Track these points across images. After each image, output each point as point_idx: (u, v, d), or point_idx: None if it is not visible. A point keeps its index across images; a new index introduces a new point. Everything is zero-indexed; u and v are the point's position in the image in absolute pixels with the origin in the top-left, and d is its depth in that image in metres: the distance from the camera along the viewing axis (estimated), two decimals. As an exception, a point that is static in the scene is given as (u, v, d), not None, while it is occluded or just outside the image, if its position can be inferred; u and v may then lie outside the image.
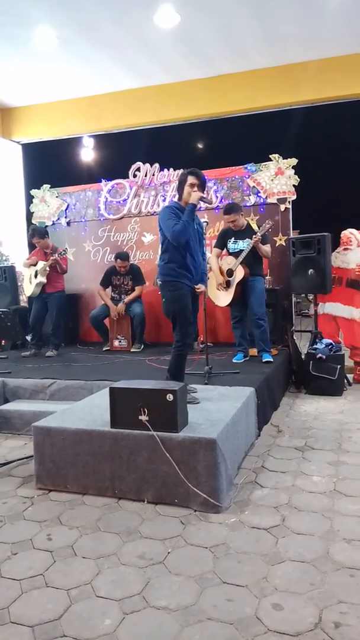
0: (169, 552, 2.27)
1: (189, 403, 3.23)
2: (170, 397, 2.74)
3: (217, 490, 2.62)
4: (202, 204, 3.96)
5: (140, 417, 2.78)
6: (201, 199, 3.61)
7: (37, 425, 3.07)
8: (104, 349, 6.04)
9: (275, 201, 5.99)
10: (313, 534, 2.37)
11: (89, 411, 3.29)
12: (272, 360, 4.74)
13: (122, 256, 6.05)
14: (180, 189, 3.63)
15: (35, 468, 3.05)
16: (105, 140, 8.81)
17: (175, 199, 3.78)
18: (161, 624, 1.82)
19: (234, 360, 4.91)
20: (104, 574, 2.14)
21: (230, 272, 4.82)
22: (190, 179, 3.55)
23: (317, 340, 5.16)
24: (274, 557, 2.20)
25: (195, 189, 3.55)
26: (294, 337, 5.56)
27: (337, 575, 2.05)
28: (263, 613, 1.85)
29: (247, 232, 4.77)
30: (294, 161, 5.90)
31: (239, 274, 4.73)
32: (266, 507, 2.66)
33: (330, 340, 5.09)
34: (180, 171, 3.77)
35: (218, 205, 6.18)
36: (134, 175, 6.61)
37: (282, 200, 5.96)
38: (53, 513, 2.70)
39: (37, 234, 5.72)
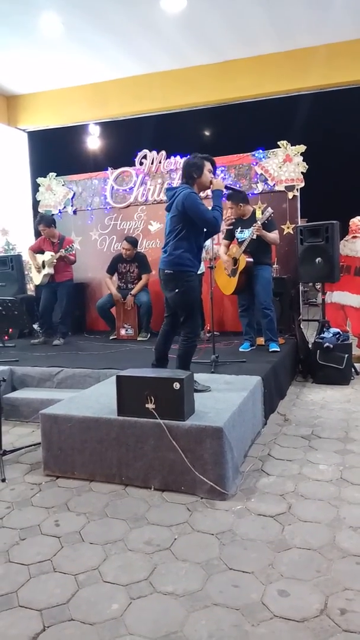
0: (175, 539, 2.29)
1: (200, 391, 3.24)
2: (176, 385, 2.74)
3: (224, 477, 2.63)
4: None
5: (147, 405, 2.79)
6: (228, 187, 3.48)
7: (44, 413, 3.09)
8: (110, 337, 6.05)
9: (283, 189, 5.93)
10: (319, 522, 2.38)
11: (96, 399, 3.30)
12: (279, 349, 4.72)
13: (130, 239, 6.03)
14: (196, 172, 3.37)
15: (43, 455, 3.08)
16: (111, 128, 8.73)
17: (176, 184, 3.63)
18: (167, 609, 1.83)
19: (240, 349, 4.90)
20: (111, 559, 2.16)
21: (235, 261, 4.80)
22: (208, 165, 3.42)
23: (324, 329, 5.13)
24: (280, 544, 2.21)
25: (212, 175, 3.44)
26: (301, 326, 5.54)
27: (343, 563, 2.06)
28: (269, 599, 1.86)
29: (251, 220, 4.73)
30: (302, 148, 5.83)
31: (242, 262, 4.71)
32: (272, 494, 2.67)
33: (337, 329, 5.07)
34: (189, 156, 3.50)
35: (225, 193, 6.11)
36: (141, 163, 6.56)
37: (290, 188, 5.90)
38: (61, 499, 2.73)
39: (43, 222, 5.72)
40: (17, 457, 3.33)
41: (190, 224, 3.33)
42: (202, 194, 3.52)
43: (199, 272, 5.57)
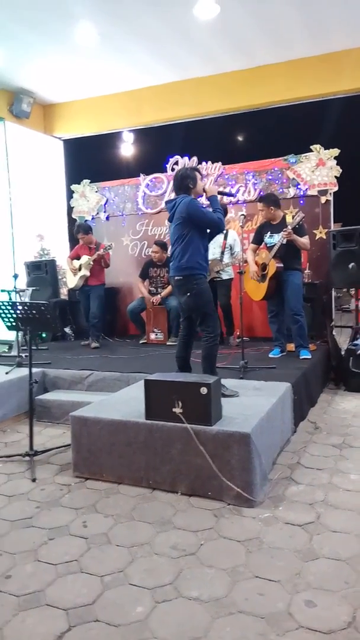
0: (201, 544, 2.28)
1: (228, 396, 3.23)
2: (204, 390, 2.74)
3: (251, 484, 2.61)
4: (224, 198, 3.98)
5: (174, 410, 2.79)
6: (221, 192, 3.84)
7: (74, 415, 3.14)
8: (140, 341, 6.10)
9: (315, 193, 5.87)
10: (349, 532, 2.33)
11: (125, 402, 3.33)
12: (309, 356, 4.65)
13: (159, 242, 6.11)
14: (191, 182, 3.59)
15: (73, 456, 3.13)
16: (144, 134, 8.82)
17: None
18: (192, 614, 1.83)
19: (270, 355, 4.85)
20: (137, 562, 2.17)
21: (264, 266, 4.76)
22: (198, 175, 3.68)
23: (357, 335, 5.03)
24: (308, 554, 2.17)
25: (203, 183, 3.73)
26: (334, 333, 5.44)
27: (373, 575, 2.01)
28: (295, 609, 1.83)
29: (282, 225, 4.68)
30: (336, 152, 5.75)
31: (272, 268, 4.66)
32: (301, 503, 2.63)
33: (371, 336, 4.95)
34: (179, 170, 3.75)
35: (257, 198, 6.09)
36: (172, 169, 6.61)
37: (323, 192, 5.83)
38: (89, 501, 2.76)
39: (81, 230, 5.96)
40: (47, 458, 3.39)
41: (194, 229, 3.52)
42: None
43: (226, 278, 5.65)
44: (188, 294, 3.54)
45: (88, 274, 5.79)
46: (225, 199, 6.25)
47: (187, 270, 3.53)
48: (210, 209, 3.64)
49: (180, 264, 3.55)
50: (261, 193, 6.05)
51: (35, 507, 2.72)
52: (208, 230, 3.66)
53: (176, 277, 3.61)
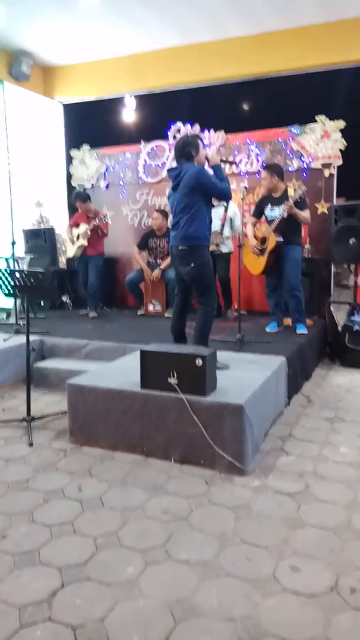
0: (192, 510, 2.35)
1: (219, 369, 3.26)
2: (199, 361, 2.77)
3: (243, 454, 2.66)
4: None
5: (169, 380, 2.83)
6: (223, 160, 3.80)
7: (71, 383, 3.18)
8: (138, 313, 6.11)
9: (319, 166, 5.78)
10: (336, 503, 2.39)
11: (121, 372, 3.37)
12: (306, 331, 4.67)
13: (161, 210, 6.04)
14: (193, 150, 3.54)
15: (69, 423, 3.18)
16: (146, 100, 8.61)
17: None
18: (181, 575, 1.90)
19: (267, 329, 4.87)
20: (129, 525, 2.23)
21: (264, 240, 4.72)
22: (201, 143, 3.62)
23: (355, 312, 5.04)
24: (295, 522, 2.24)
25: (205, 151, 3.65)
26: (331, 308, 5.45)
27: (357, 544, 2.07)
28: (280, 573, 1.90)
29: (283, 198, 4.62)
30: (341, 124, 5.63)
31: (271, 242, 4.63)
32: (291, 473, 2.69)
33: (368, 313, 4.96)
34: (182, 137, 3.68)
35: (259, 170, 6.00)
36: (174, 137, 6.48)
37: (327, 166, 5.74)
38: (84, 466, 2.82)
39: (79, 198, 5.89)
40: (44, 424, 3.45)
41: (202, 199, 3.48)
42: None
43: (226, 251, 5.62)
44: (192, 264, 3.50)
45: (86, 243, 5.74)
46: (227, 170, 6.16)
47: (194, 241, 3.49)
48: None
49: (187, 234, 3.49)
50: (263, 164, 5.96)
51: (31, 470, 2.78)
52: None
53: (180, 247, 3.54)
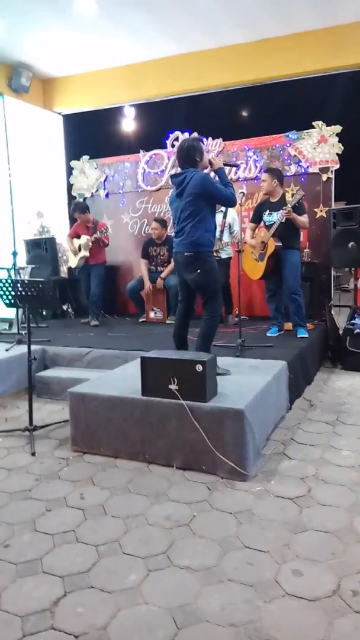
0: (194, 516, 2.35)
1: (220, 374, 3.27)
2: (199, 367, 2.78)
3: (244, 459, 2.67)
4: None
5: (170, 386, 2.84)
6: (226, 163, 3.74)
7: (72, 391, 3.19)
8: (140, 320, 6.13)
9: (317, 171, 5.81)
10: (338, 506, 2.39)
11: (122, 379, 3.38)
12: (307, 335, 4.68)
13: (159, 219, 6.08)
14: (197, 155, 3.49)
15: (71, 431, 3.19)
16: (145, 110, 8.71)
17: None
18: (183, 581, 1.90)
19: (268, 334, 4.88)
20: (132, 532, 2.24)
21: (263, 245, 4.75)
22: (203, 147, 3.61)
23: (355, 315, 5.04)
24: (297, 526, 2.24)
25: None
26: (332, 312, 5.46)
27: (359, 547, 2.07)
28: (282, 578, 1.90)
29: (281, 203, 4.65)
30: (337, 128, 5.67)
31: (270, 246, 4.65)
32: (293, 477, 2.69)
33: (369, 316, 4.97)
34: (185, 141, 3.60)
35: (257, 176, 6.04)
36: (173, 145, 6.53)
37: (325, 170, 5.77)
38: (86, 474, 2.83)
39: (78, 209, 5.90)
40: (47, 433, 3.46)
41: (207, 206, 3.46)
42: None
43: (225, 257, 5.64)
44: (198, 270, 3.45)
45: (88, 254, 5.78)
46: (232, 175, 6.18)
47: (199, 247, 3.45)
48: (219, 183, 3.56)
49: (192, 240, 3.45)
50: (262, 170, 5.99)
51: (34, 479, 2.79)
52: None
53: (186, 254, 3.49)
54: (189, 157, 3.50)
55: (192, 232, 3.44)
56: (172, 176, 3.70)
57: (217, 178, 3.63)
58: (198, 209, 3.42)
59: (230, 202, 3.61)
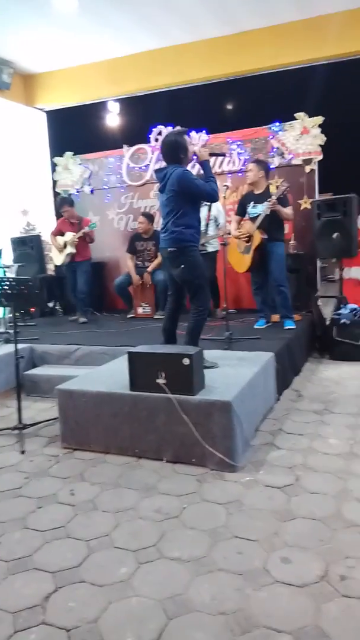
0: (184, 508, 2.37)
1: (207, 368, 3.28)
2: (186, 361, 2.79)
3: (233, 450, 2.69)
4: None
5: (157, 381, 2.85)
6: (212, 153, 3.68)
7: (60, 388, 3.19)
8: (128, 316, 6.13)
9: (300, 162, 5.82)
10: (326, 493, 2.42)
11: (110, 375, 3.38)
12: (294, 327, 4.71)
13: (146, 213, 6.09)
14: (182, 152, 3.44)
15: (60, 428, 3.19)
16: (127, 104, 8.67)
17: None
18: (173, 573, 1.92)
19: (255, 327, 4.90)
20: (122, 526, 2.25)
21: (248, 238, 4.75)
22: (187, 139, 3.53)
23: (341, 305, 5.09)
24: (285, 514, 2.26)
25: (193, 146, 3.58)
26: (319, 303, 5.50)
27: (346, 533, 2.10)
28: (271, 565, 1.92)
29: (265, 195, 4.66)
30: (320, 119, 5.69)
31: (256, 239, 4.66)
32: (281, 467, 2.72)
33: (355, 306, 5.02)
34: (168, 136, 3.57)
35: (241, 168, 6.05)
36: (156, 140, 6.51)
37: (308, 161, 5.79)
38: (76, 470, 2.84)
39: (66, 203, 5.90)
40: (36, 431, 3.46)
41: (187, 201, 3.43)
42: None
43: (211, 250, 5.65)
44: (182, 266, 3.45)
45: (74, 251, 5.75)
46: (217, 167, 6.18)
47: (181, 243, 3.44)
48: (203, 176, 3.53)
49: (173, 236, 3.45)
50: (245, 163, 6.00)
51: (24, 477, 2.79)
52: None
53: (169, 249, 3.50)
54: (171, 154, 3.47)
55: (174, 229, 3.45)
56: (155, 171, 3.71)
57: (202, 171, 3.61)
58: (178, 206, 3.42)
59: (210, 197, 3.57)
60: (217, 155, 4.83)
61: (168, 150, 3.49)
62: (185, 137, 3.52)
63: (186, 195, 3.40)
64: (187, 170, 3.48)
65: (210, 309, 5.74)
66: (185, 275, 3.50)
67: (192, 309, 3.57)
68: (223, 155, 5.73)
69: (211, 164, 5.98)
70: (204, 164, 3.55)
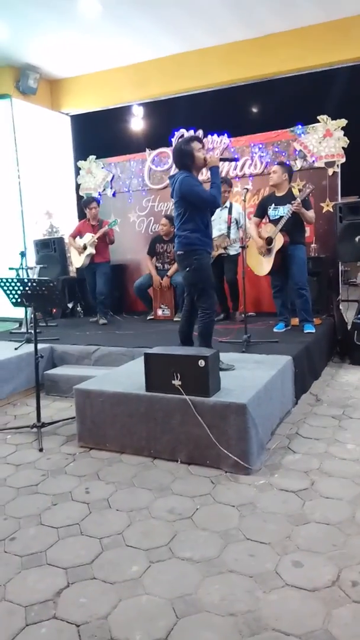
0: (197, 509, 2.37)
1: (224, 370, 3.28)
2: (202, 362, 2.80)
3: (248, 453, 2.68)
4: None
5: (173, 382, 2.86)
6: (222, 159, 3.75)
7: (78, 388, 3.23)
8: (148, 318, 6.17)
9: (323, 165, 5.77)
10: (341, 499, 2.39)
11: (128, 376, 3.41)
12: (313, 330, 4.66)
13: (168, 216, 6.13)
14: (188, 159, 3.53)
15: (78, 427, 3.24)
16: (151, 108, 8.75)
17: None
18: (184, 573, 1.92)
19: (275, 330, 4.87)
20: (135, 525, 2.27)
21: (270, 240, 4.73)
22: (195, 145, 3.55)
23: (363, 309, 5.01)
24: (299, 518, 2.25)
25: (204, 152, 3.62)
26: (340, 307, 5.43)
27: (360, 538, 2.07)
28: (283, 569, 1.91)
29: (288, 197, 4.64)
30: (343, 122, 5.62)
31: (278, 241, 4.63)
32: (296, 471, 2.70)
33: (377, 310, 4.94)
34: (177, 144, 3.66)
35: (263, 171, 6.03)
36: (178, 143, 6.54)
37: (331, 164, 5.73)
38: (92, 469, 2.87)
39: (95, 201, 6.05)
40: (54, 430, 3.51)
41: (192, 206, 3.52)
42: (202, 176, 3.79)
43: (233, 253, 5.64)
44: (187, 268, 3.58)
45: (94, 251, 5.83)
46: (232, 172, 6.19)
47: (188, 246, 3.55)
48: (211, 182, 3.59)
49: (180, 240, 3.60)
50: (267, 166, 5.98)
51: (41, 475, 2.84)
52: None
53: (178, 252, 3.66)
54: (179, 161, 3.62)
55: (180, 233, 3.59)
56: (169, 178, 3.85)
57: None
58: (184, 210, 3.54)
59: (209, 204, 3.55)
60: (228, 160, 4.84)
61: (176, 157, 3.66)
62: (194, 144, 3.57)
63: (188, 200, 3.51)
64: (190, 175, 3.54)
65: (229, 312, 5.78)
66: (190, 277, 3.62)
67: (199, 312, 3.64)
68: (234, 160, 5.75)
69: (233, 166, 6.12)
70: (212, 170, 3.61)
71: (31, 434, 3.41)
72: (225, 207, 5.60)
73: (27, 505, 2.50)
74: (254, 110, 11.62)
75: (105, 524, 2.30)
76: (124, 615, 1.72)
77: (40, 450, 3.16)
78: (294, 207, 4.51)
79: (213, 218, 5.53)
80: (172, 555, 2.04)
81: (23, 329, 5.36)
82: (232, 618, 1.67)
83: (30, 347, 4.51)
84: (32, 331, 4.83)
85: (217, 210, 5.52)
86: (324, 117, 5.71)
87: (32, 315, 3.63)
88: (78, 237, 5.97)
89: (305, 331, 4.66)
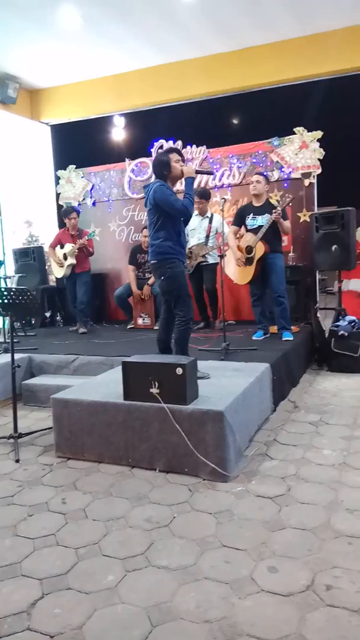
0: (174, 517, 2.37)
1: (199, 378, 3.30)
2: (179, 370, 2.81)
3: (225, 460, 2.69)
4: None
5: (151, 390, 2.87)
6: (199, 171, 3.77)
7: (55, 397, 3.21)
8: (128, 326, 6.16)
9: (299, 176, 5.89)
10: (316, 504, 2.41)
11: (106, 385, 3.40)
12: (292, 338, 4.72)
13: None
14: (165, 169, 3.56)
15: (55, 437, 3.21)
16: (131, 119, 8.80)
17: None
18: (160, 581, 1.92)
19: (253, 338, 4.92)
20: (112, 535, 2.26)
21: (249, 249, 4.79)
22: (173, 157, 3.60)
23: (340, 317, 5.10)
24: (275, 524, 2.26)
25: (182, 163, 3.65)
26: (318, 315, 5.51)
27: (335, 543, 2.10)
28: (258, 575, 1.92)
29: (266, 207, 4.72)
30: (318, 134, 5.76)
31: (259, 250, 4.70)
32: (273, 477, 2.72)
33: (354, 317, 5.03)
34: (156, 155, 3.74)
35: (241, 182, 6.12)
36: (158, 154, 6.60)
37: (307, 175, 5.85)
38: (69, 479, 2.84)
39: (75, 211, 6.05)
40: (32, 440, 3.47)
41: (164, 215, 3.53)
42: (177, 186, 3.85)
43: (212, 262, 5.69)
44: (162, 277, 3.59)
45: (74, 261, 5.82)
46: (210, 183, 6.27)
47: (160, 255, 3.56)
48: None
49: (152, 249, 3.61)
50: (245, 177, 6.07)
51: (17, 486, 2.80)
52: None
53: (152, 261, 3.67)
54: (158, 172, 3.65)
55: (153, 241, 3.60)
56: (144, 187, 3.92)
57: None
58: (156, 219, 3.56)
59: (181, 213, 3.53)
60: (204, 173, 4.92)
61: (154, 167, 3.70)
62: (172, 154, 3.62)
63: (161, 208, 3.52)
64: (164, 185, 3.55)
65: (209, 320, 5.82)
66: (165, 286, 3.63)
67: (176, 319, 3.64)
68: (210, 174, 5.84)
69: (212, 177, 6.19)
70: (187, 181, 3.62)
71: (8, 445, 3.37)
72: (207, 217, 5.66)
73: (2, 517, 2.46)
74: (233, 121, 11.79)
75: (81, 534, 2.28)
76: (99, 625, 1.71)
77: (17, 461, 3.12)
78: (274, 217, 4.59)
79: (193, 227, 5.63)
80: (148, 563, 2.03)
81: (0, 339, 5.30)
82: (207, 625, 1.67)
83: (7, 357, 4.44)
84: (10, 341, 4.81)
85: (198, 220, 5.59)
86: (300, 129, 5.83)
87: (10, 325, 3.60)
88: (58, 246, 5.95)
89: (283, 339, 4.72)
